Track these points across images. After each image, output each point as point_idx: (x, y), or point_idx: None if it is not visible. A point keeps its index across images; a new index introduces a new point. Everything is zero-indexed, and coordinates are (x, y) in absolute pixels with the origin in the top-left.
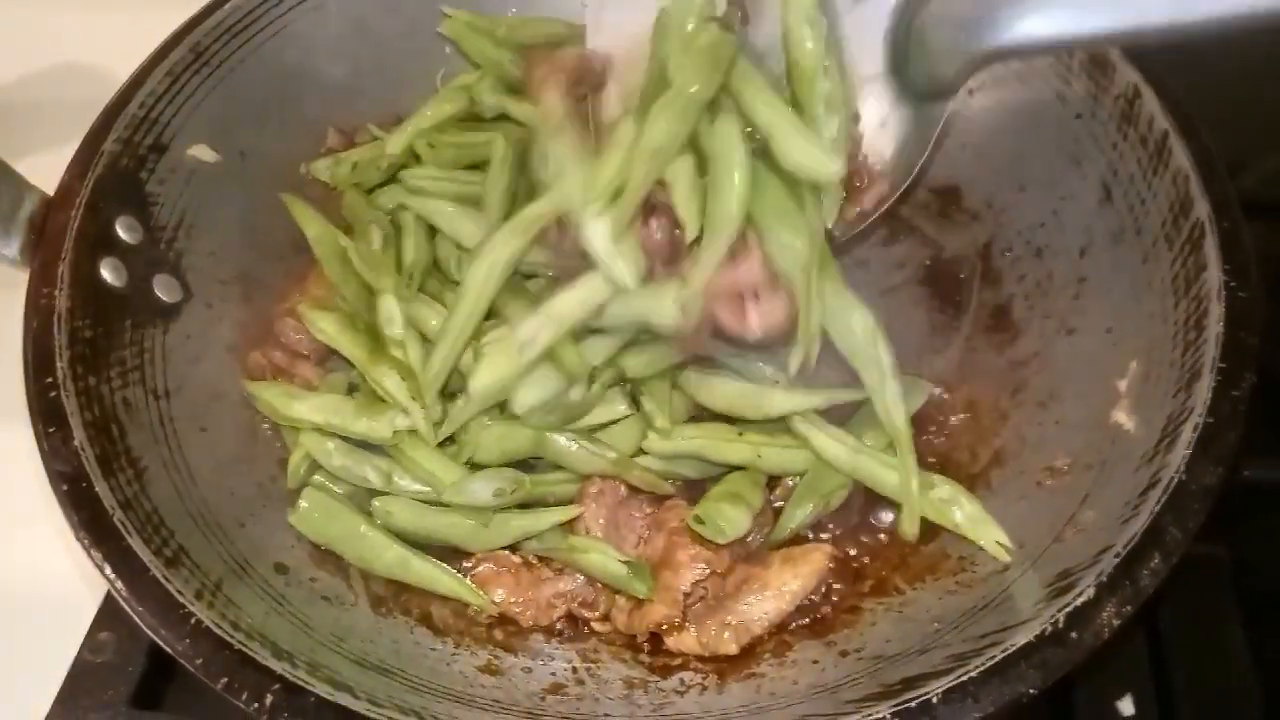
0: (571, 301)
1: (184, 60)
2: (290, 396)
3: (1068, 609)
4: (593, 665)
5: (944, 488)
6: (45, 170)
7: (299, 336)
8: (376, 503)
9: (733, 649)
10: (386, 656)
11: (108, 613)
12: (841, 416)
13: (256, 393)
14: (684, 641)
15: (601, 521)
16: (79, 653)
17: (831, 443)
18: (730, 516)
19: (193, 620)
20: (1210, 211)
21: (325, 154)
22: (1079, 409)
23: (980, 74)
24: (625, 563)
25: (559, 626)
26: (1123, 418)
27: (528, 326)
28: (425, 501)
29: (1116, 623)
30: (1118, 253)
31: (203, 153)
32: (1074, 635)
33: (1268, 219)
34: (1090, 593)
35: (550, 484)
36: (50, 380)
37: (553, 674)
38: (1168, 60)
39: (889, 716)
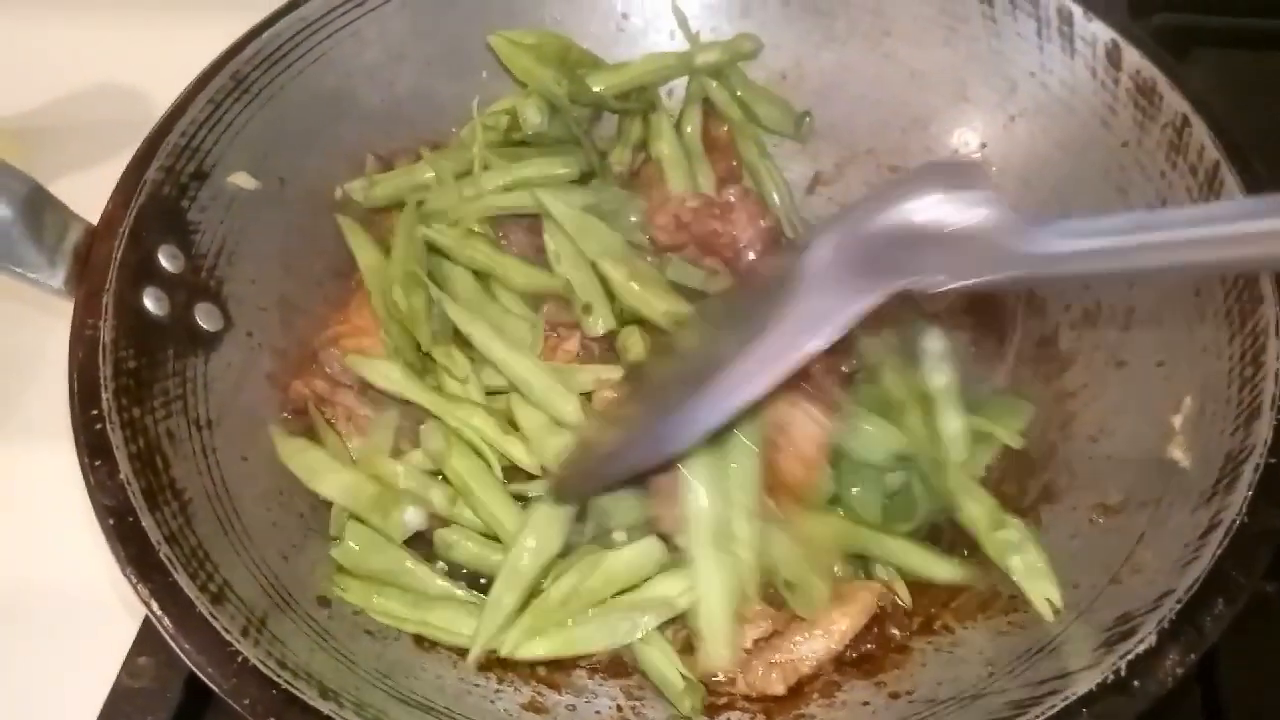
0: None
1: (225, 88)
2: (315, 469)
3: (1129, 656)
4: (638, 703)
5: (1013, 531)
6: (81, 191)
7: (342, 366)
8: (440, 533)
9: (780, 689)
10: (431, 694)
11: (147, 637)
12: None
13: (285, 455)
14: (731, 680)
15: None
16: (118, 677)
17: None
18: (821, 590)
19: (239, 659)
20: None
21: (342, 199)
22: (1132, 444)
23: (1023, 100)
24: (685, 678)
25: (602, 662)
26: (1179, 454)
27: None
28: (489, 536)
29: (1180, 671)
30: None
31: (243, 180)
32: (1137, 684)
33: None
34: (1152, 639)
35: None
36: (96, 412)
37: (597, 712)
38: (1214, 88)
39: None
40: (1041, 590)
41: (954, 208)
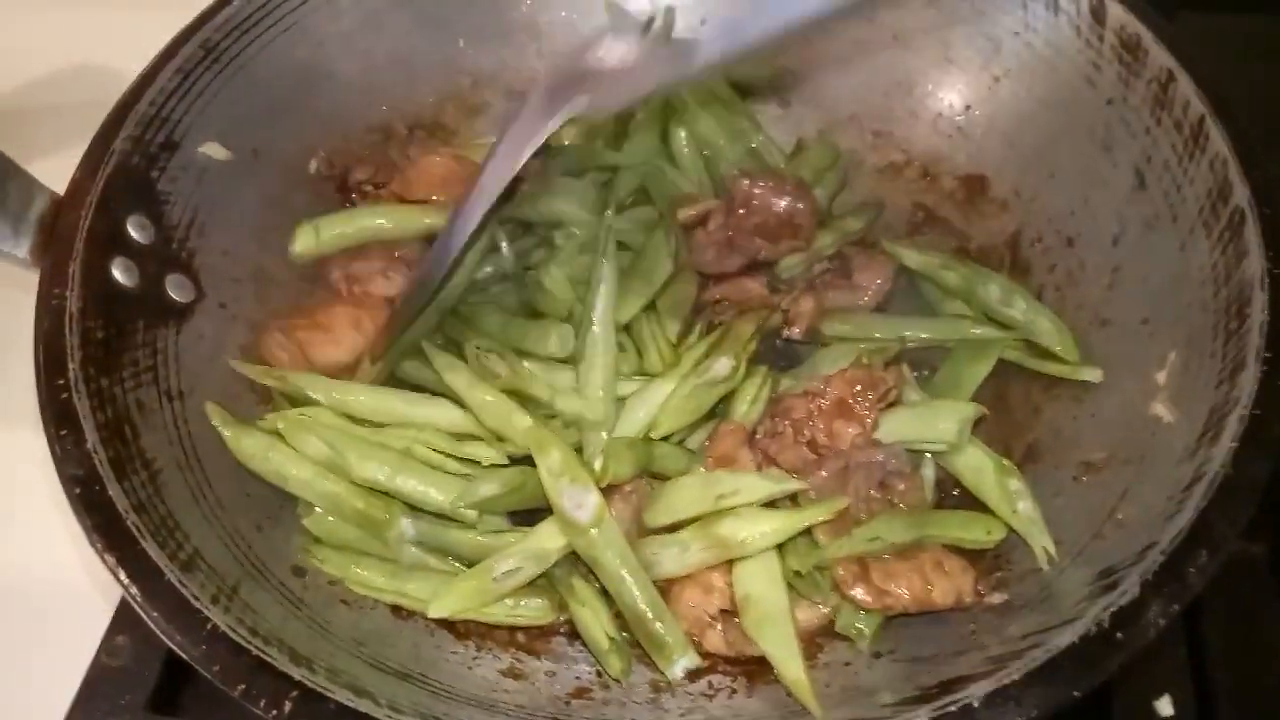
0: (552, 537)
1: (194, 57)
2: (284, 472)
3: (1112, 608)
4: None
5: (1016, 482)
6: (55, 173)
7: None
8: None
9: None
10: (407, 661)
11: (124, 617)
12: None
13: (243, 453)
14: (711, 641)
15: (625, 520)
16: (95, 657)
17: None
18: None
19: (209, 625)
20: (1250, 197)
21: (315, 175)
22: (1116, 402)
23: (1007, 60)
24: (610, 638)
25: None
26: (1162, 410)
27: (506, 562)
28: (441, 517)
29: (1163, 622)
30: (1152, 241)
31: (214, 150)
32: (1120, 635)
33: None
34: (1135, 591)
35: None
36: (62, 382)
37: (577, 678)
38: (1199, 44)
39: None
40: (1039, 540)
41: (616, 46)
